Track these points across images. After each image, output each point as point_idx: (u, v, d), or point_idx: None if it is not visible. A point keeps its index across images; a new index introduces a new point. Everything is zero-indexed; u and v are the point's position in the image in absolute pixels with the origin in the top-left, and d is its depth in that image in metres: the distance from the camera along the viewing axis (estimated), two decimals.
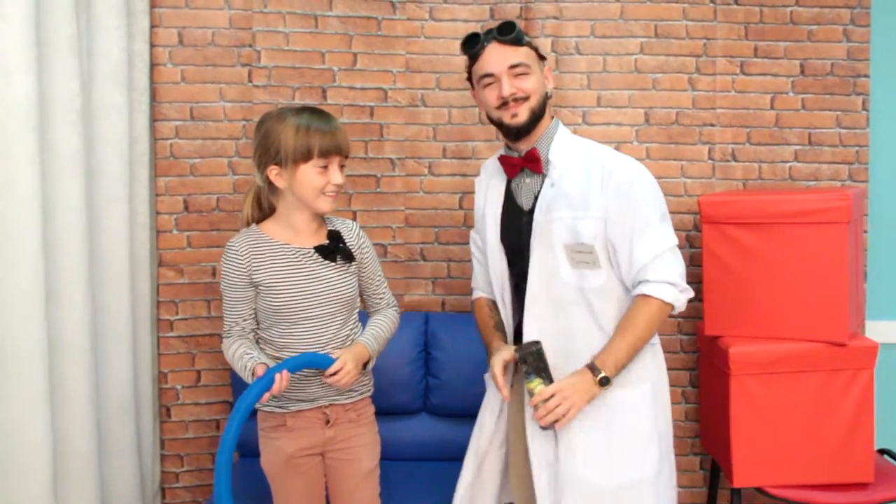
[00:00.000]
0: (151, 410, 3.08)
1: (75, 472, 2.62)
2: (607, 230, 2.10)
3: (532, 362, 2.09)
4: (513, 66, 2.11)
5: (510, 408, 2.30)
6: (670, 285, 2.10)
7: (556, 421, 2.06)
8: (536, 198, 2.18)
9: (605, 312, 2.14)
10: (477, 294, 2.44)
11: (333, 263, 2.29)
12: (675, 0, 3.22)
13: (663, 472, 2.19)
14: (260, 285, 2.26)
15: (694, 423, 3.27)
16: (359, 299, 2.41)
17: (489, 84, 2.15)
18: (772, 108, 3.25)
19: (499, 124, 2.18)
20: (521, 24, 3.18)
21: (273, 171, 2.22)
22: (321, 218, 2.33)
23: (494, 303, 2.35)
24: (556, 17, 3.21)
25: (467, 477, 2.31)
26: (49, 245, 2.51)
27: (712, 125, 3.24)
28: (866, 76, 3.23)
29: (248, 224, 2.34)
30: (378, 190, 3.24)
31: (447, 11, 3.25)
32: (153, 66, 3.07)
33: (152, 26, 3.06)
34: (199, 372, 3.15)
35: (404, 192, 3.27)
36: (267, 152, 2.21)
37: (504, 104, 2.13)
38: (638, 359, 2.15)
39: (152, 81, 3.07)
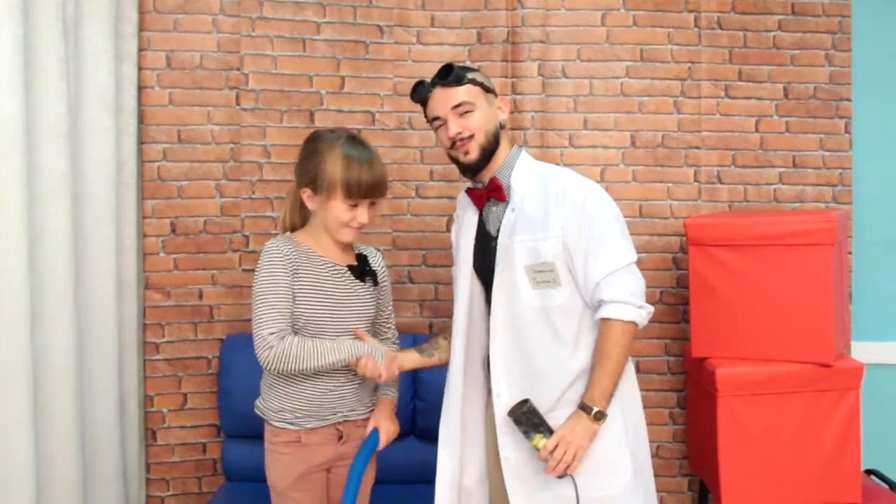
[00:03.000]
0: (137, 434, 3.05)
1: (60, 496, 2.59)
2: (566, 248, 2.15)
3: (527, 421, 2.14)
4: (456, 107, 2.19)
5: (487, 436, 2.33)
6: (626, 304, 2.13)
7: (568, 467, 2.12)
8: (501, 223, 2.24)
9: (565, 327, 2.18)
10: None
11: (362, 283, 2.35)
12: (660, 24, 3.26)
13: (638, 488, 2.21)
14: (296, 290, 2.25)
15: (682, 444, 3.27)
16: None
17: (440, 126, 2.24)
18: (756, 130, 3.28)
19: (456, 162, 2.26)
20: (507, 47, 3.22)
21: (306, 193, 2.27)
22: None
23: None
24: (542, 41, 3.24)
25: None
26: (35, 268, 2.49)
27: (698, 148, 3.27)
28: (848, 100, 3.27)
29: (285, 230, 2.38)
30: None
31: (434, 35, 3.27)
32: (141, 89, 3.08)
33: (140, 49, 3.06)
34: (185, 395, 3.13)
35: (391, 214, 3.28)
36: (307, 174, 2.26)
37: (455, 144, 2.20)
38: None
39: (140, 104, 3.08)
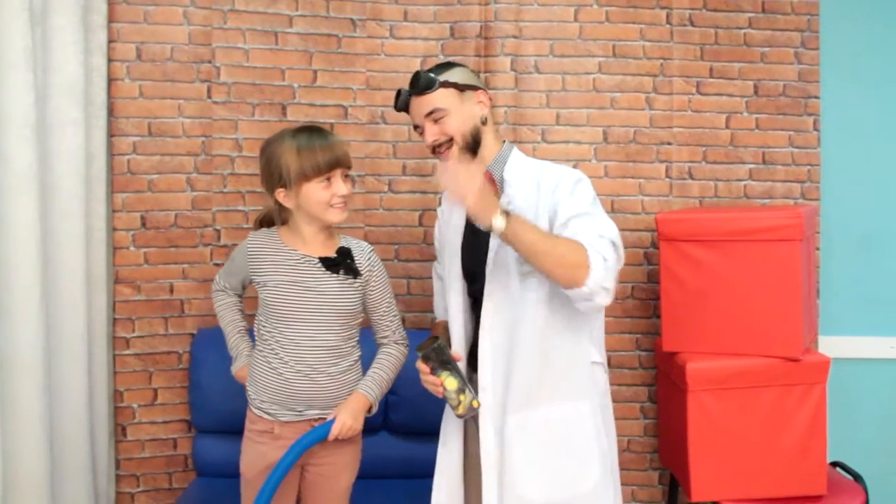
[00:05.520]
0: (107, 429, 3.02)
1: (27, 493, 2.57)
2: (552, 227, 2.11)
3: (435, 358, 2.13)
4: (429, 115, 2.19)
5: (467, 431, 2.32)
6: (604, 260, 2.01)
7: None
8: None
9: (551, 324, 2.16)
10: (438, 320, 2.51)
11: (336, 275, 2.33)
12: (632, 21, 3.28)
13: (607, 490, 2.20)
14: (261, 283, 2.33)
15: (652, 438, 3.30)
16: (360, 317, 2.42)
17: (422, 133, 2.24)
18: (727, 127, 3.31)
19: None
20: (480, 42, 3.22)
21: (281, 194, 2.30)
22: (330, 231, 2.38)
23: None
24: (515, 37, 3.24)
25: None
26: (2, 261, 2.46)
27: (669, 144, 3.29)
28: (817, 97, 3.31)
29: None
30: None
31: (407, 30, 3.27)
32: (111, 81, 3.04)
33: (110, 41, 3.03)
34: (155, 390, 3.10)
35: (364, 209, 3.27)
36: (272, 177, 2.30)
37: (434, 150, 2.22)
38: (580, 376, 2.20)
39: (110, 96, 3.04)
